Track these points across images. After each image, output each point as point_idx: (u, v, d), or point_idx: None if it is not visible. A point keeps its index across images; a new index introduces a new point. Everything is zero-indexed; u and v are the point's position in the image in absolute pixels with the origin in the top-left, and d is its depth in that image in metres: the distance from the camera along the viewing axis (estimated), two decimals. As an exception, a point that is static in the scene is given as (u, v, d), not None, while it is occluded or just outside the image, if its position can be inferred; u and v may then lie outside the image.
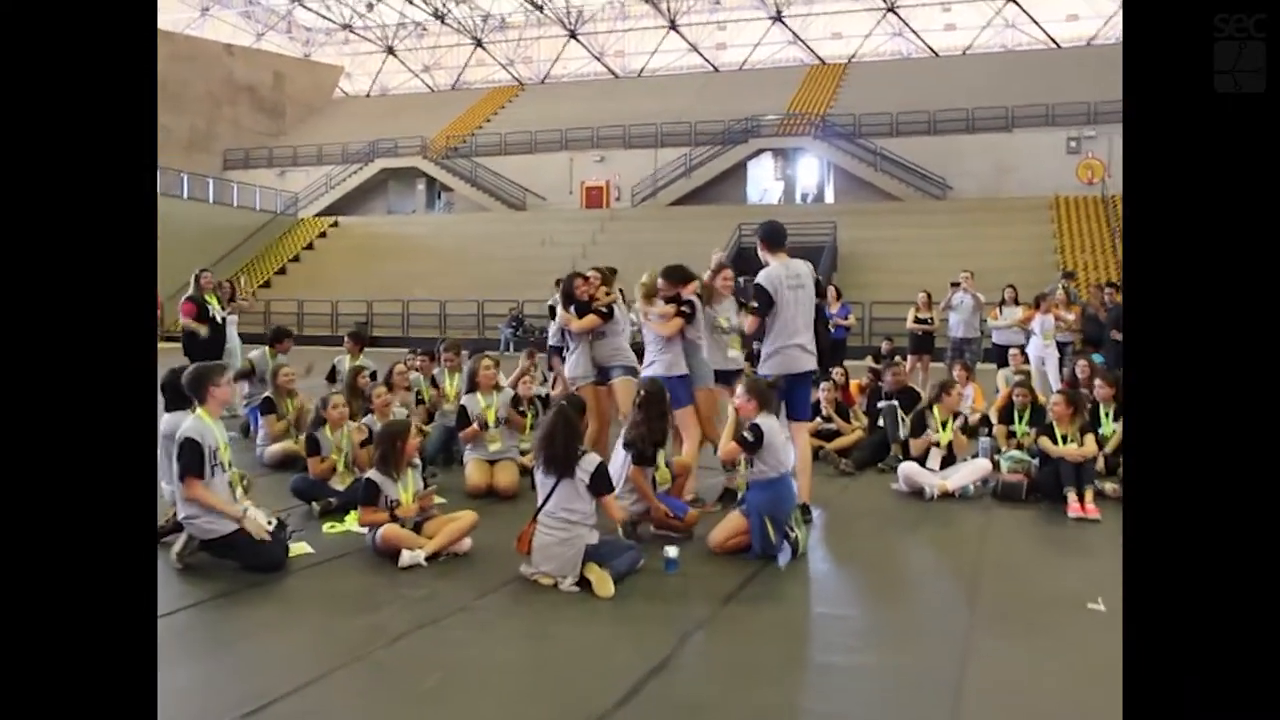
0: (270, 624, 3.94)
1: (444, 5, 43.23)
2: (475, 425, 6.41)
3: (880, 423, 7.43)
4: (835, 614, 4.23)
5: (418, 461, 5.16)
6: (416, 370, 8.03)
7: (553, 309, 6.75)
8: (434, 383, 8.06)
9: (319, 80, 45.09)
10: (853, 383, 8.56)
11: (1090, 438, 6.22)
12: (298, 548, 4.80)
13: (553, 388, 8.14)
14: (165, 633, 3.00)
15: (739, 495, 5.35)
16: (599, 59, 44.11)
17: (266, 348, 8.85)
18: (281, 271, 30.66)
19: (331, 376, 8.43)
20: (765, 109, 33.27)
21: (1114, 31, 35.66)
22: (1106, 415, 6.70)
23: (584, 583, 4.21)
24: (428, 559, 4.54)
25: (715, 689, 3.29)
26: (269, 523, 4.55)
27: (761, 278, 5.51)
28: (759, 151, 32.72)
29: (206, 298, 9.41)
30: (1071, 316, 10.76)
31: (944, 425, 6.65)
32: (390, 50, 46.66)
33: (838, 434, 7.73)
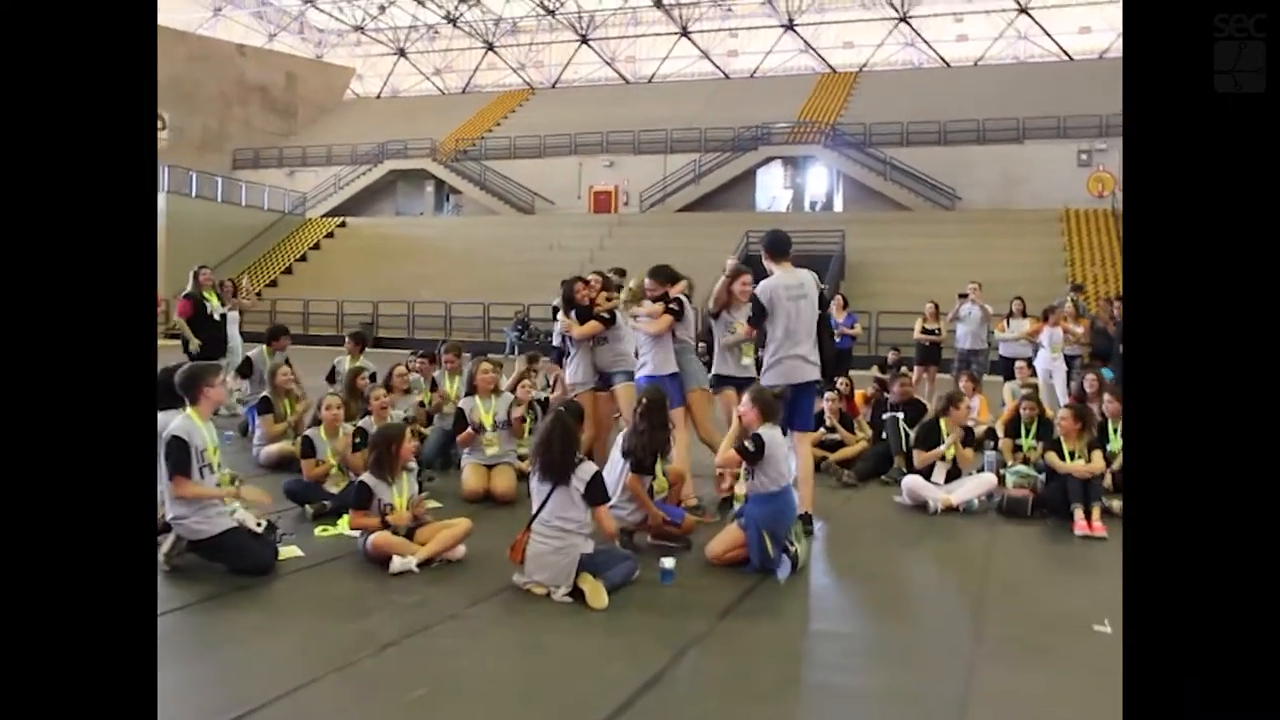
0: (258, 628, 3.87)
1: (456, 9, 43.37)
2: (471, 430, 6.33)
3: (885, 434, 7.34)
4: (835, 631, 4.14)
5: (413, 465, 5.09)
6: (416, 372, 7.97)
7: (555, 309, 6.71)
8: (434, 385, 7.99)
9: (330, 81, 45.24)
10: (858, 393, 8.46)
11: (1098, 454, 6.10)
12: (287, 551, 4.73)
13: (552, 391, 8.06)
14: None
15: (736, 506, 5.26)
16: (610, 64, 44.17)
17: (264, 346, 8.80)
18: (288, 271, 30.68)
19: (331, 377, 8.38)
20: (775, 117, 33.21)
21: (1127, 45, 35.52)
22: (1115, 431, 6.55)
23: (577, 593, 4.12)
24: (420, 565, 4.47)
25: (709, 706, 3.21)
26: (257, 525, 4.49)
27: (759, 288, 5.47)
28: (768, 159, 32.62)
29: (205, 295, 9.36)
30: (1080, 330, 10.64)
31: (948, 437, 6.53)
32: (402, 52, 46.80)
33: (841, 444, 7.63)
